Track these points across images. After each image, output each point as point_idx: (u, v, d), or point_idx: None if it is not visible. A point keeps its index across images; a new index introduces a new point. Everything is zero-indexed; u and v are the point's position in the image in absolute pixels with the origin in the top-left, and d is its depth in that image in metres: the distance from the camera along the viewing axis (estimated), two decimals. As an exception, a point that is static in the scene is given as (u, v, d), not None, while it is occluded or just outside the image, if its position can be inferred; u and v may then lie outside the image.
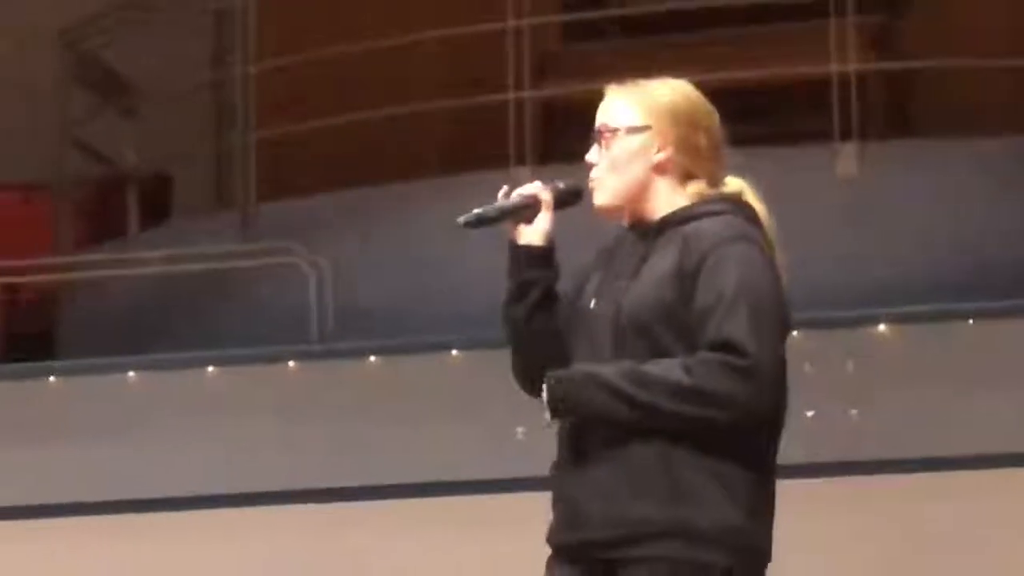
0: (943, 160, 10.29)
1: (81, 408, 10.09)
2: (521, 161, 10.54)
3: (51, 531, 9.84)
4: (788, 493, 7.46)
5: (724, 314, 4.69)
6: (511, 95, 10.74)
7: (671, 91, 4.90)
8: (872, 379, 9.22)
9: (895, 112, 11.21)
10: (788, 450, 8.42)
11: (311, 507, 9.54)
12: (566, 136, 10.39)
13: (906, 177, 10.25)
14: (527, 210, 4.93)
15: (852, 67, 10.33)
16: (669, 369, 4.66)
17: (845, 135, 10.28)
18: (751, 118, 10.39)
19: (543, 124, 10.82)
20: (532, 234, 4.92)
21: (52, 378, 10.27)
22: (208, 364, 9.97)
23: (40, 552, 9.81)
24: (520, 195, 4.94)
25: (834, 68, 10.32)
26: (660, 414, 4.66)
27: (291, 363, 9.91)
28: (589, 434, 4.75)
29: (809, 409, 9.01)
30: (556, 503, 4.85)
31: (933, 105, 11.08)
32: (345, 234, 10.74)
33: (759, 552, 4.82)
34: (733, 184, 4.94)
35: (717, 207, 4.85)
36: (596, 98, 4.91)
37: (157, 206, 12.70)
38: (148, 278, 11.25)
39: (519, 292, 4.92)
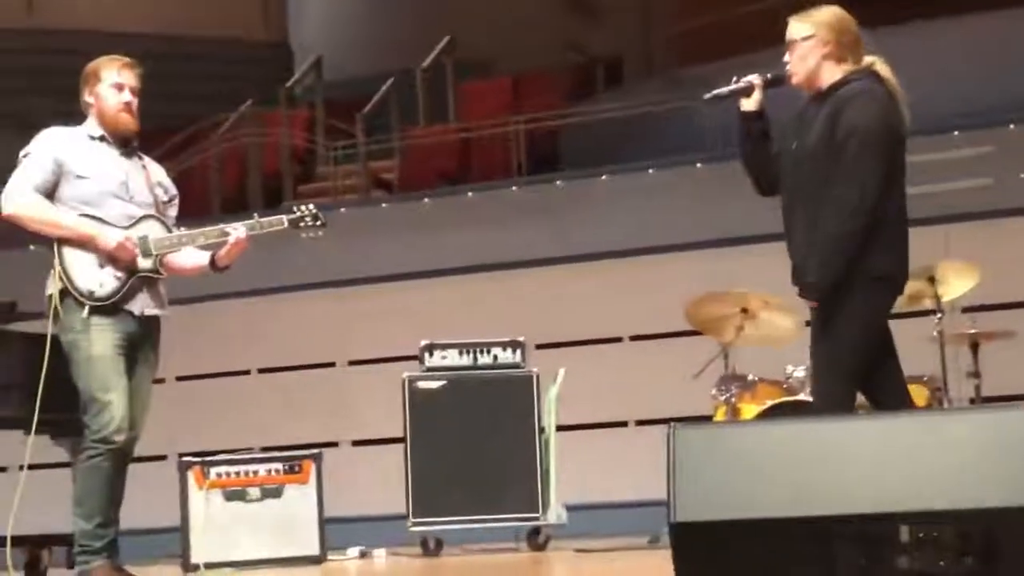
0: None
1: (575, 198, 10.63)
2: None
3: (549, 274, 10.44)
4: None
5: (848, 154, 4.87)
6: None
7: (826, 11, 5.09)
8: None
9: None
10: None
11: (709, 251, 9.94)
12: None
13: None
14: (748, 90, 5.11)
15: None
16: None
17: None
18: None
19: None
20: (750, 104, 5.11)
21: (558, 183, 10.91)
22: (649, 168, 10.49)
23: (537, 284, 10.43)
24: (744, 81, 5.13)
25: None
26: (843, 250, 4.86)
27: (699, 165, 10.31)
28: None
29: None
30: None
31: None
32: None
33: (899, 275, 5.04)
34: (868, 60, 5.07)
35: (857, 76, 5.01)
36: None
37: (615, 76, 13.10)
38: (610, 120, 11.54)
39: (741, 138, 5.16)
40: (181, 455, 7.52)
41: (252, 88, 13.70)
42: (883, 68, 5.11)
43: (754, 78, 5.17)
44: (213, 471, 7.14)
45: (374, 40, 15.20)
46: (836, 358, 4.95)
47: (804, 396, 7.13)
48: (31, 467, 5.30)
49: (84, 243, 5.35)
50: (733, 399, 7.26)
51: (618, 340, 10.34)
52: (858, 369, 4.99)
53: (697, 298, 7.55)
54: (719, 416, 7.31)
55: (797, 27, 5.14)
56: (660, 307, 9.51)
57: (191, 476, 7.11)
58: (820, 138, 4.99)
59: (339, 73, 14.30)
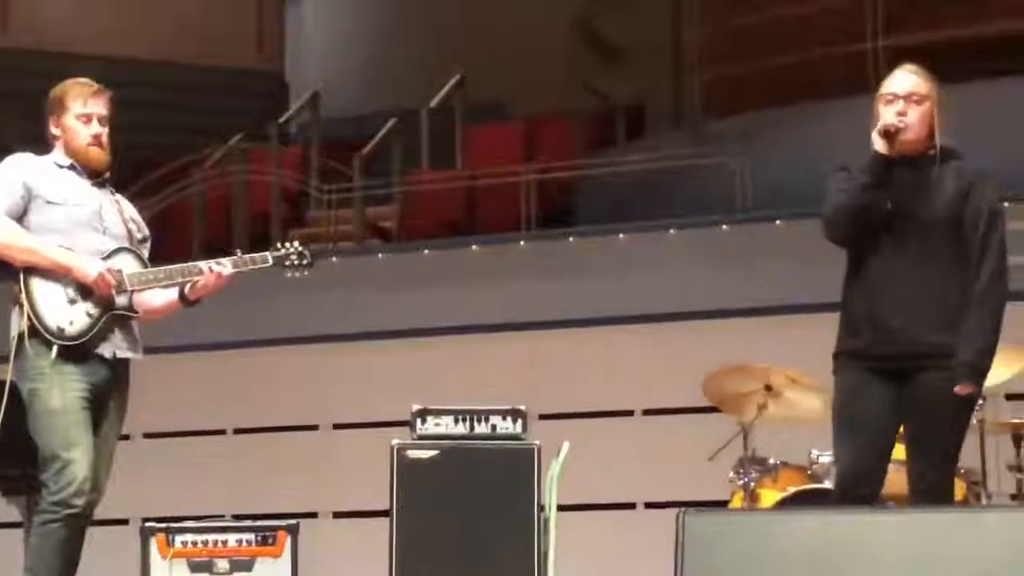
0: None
1: (589, 258, 10.59)
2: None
3: (556, 338, 10.44)
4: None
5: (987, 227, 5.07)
6: (868, 45, 10.91)
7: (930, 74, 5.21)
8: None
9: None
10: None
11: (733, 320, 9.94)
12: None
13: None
14: (890, 132, 5.07)
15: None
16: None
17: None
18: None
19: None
20: (889, 149, 5.07)
21: (571, 239, 10.92)
22: (670, 228, 10.46)
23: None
24: (891, 123, 5.06)
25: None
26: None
27: (724, 227, 10.30)
28: None
29: None
30: None
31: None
32: (764, 141, 10.74)
33: None
34: None
35: (952, 150, 5.15)
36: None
37: (635, 126, 13.06)
38: (630, 174, 11.55)
39: (871, 182, 5.05)
40: (144, 520, 7.49)
41: (241, 122, 13.69)
42: None
43: (895, 120, 5.08)
44: (178, 539, 7.10)
45: (377, 76, 15.23)
46: (956, 449, 5.06)
47: (829, 484, 7.00)
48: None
49: (57, 274, 5.34)
50: (752, 484, 7.22)
51: (628, 414, 10.32)
52: None
53: (716, 371, 7.52)
54: (736, 503, 7.28)
55: (919, 81, 5.11)
56: (676, 380, 9.50)
57: (154, 543, 7.06)
58: (952, 211, 5.03)
59: (338, 110, 14.31)
